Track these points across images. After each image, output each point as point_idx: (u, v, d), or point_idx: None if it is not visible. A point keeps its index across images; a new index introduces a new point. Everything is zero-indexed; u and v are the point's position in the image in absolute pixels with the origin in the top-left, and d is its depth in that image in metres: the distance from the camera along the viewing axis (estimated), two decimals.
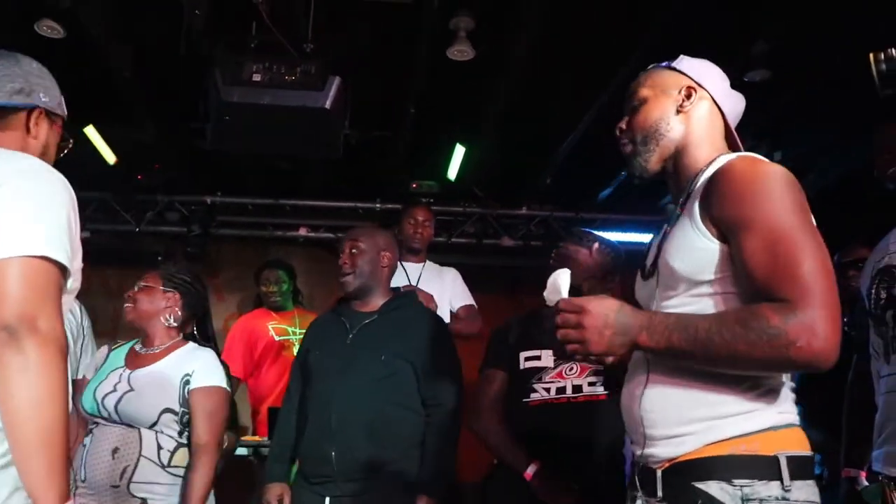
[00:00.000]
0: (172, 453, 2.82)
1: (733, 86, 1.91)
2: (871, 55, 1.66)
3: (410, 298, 3.37)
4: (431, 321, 3.27)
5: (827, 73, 4.30)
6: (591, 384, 2.95)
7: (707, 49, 4.20)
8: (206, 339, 3.49)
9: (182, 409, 2.83)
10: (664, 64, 1.88)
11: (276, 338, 5.06)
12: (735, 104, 1.88)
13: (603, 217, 6.70)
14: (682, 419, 1.62)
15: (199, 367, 2.90)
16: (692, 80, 1.82)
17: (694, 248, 1.63)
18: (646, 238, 6.68)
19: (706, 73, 1.85)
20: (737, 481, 1.54)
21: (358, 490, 2.91)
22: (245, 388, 5.12)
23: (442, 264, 4.69)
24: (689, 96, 1.80)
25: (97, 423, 2.83)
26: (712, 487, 1.55)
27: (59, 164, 1.95)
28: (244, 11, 3.87)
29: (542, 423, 2.92)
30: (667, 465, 1.64)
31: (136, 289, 3.05)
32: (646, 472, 1.69)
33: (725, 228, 1.60)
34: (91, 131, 5.51)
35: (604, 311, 1.58)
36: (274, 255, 6.23)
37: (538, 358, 3.00)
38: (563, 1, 3.91)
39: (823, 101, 4.58)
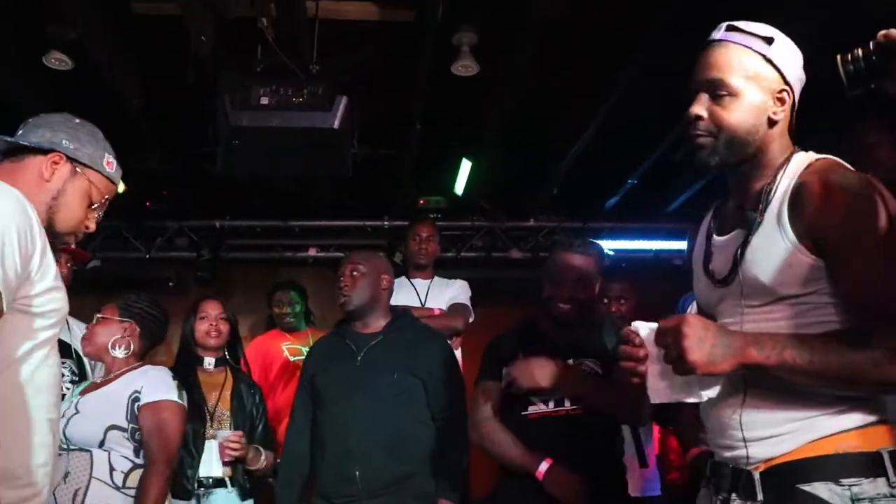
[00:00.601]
0: (127, 474, 2.82)
1: None
2: (839, 56, 1.66)
3: (410, 317, 3.46)
4: (434, 339, 3.39)
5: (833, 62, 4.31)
6: None
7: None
8: (237, 361, 3.55)
9: (132, 425, 2.84)
10: (756, 44, 1.71)
11: (291, 358, 5.06)
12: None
13: (610, 225, 6.71)
14: (779, 419, 1.62)
15: (147, 383, 2.92)
16: (784, 77, 1.71)
17: (786, 262, 1.62)
18: (651, 245, 6.72)
19: (794, 67, 1.74)
20: (844, 481, 1.54)
21: None
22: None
23: (451, 279, 4.72)
24: (781, 101, 1.72)
25: (60, 454, 2.82)
26: (820, 489, 1.55)
27: None
28: (249, 36, 3.91)
29: (542, 435, 2.88)
30: (763, 466, 1.64)
31: (94, 321, 3.10)
32: (738, 473, 1.68)
33: (824, 243, 1.59)
34: None
35: (702, 323, 1.58)
36: (284, 276, 6.24)
37: None
38: (564, 11, 3.93)
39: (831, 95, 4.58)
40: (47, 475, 1.76)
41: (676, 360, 1.56)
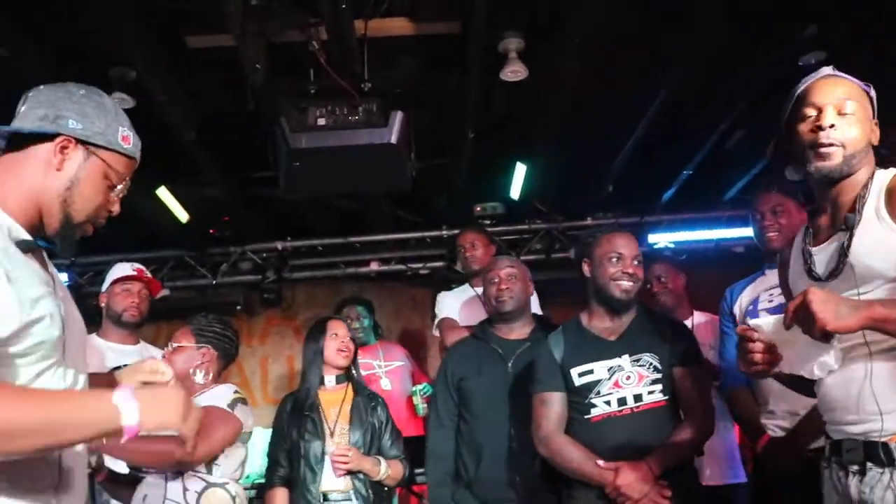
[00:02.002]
0: (200, 494, 2.87)
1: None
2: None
3: (551, 324, 3.54)
4: None
5: (882, 49, 4.27)
6: (650, 392, 2.91)
7: (758, 38, 4.26)
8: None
9: None
10: (860, 84, 2.04)
11: (363, 373, 5.12)
12: None
13: (668, 218, 6.66)
14: None
15: (205, 398, 2.99)
16: (874, 111, 2.04)
17: (892, 248, 1.86)
18: (711, 235, 6.65)
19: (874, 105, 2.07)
20: None
21: None
22: None
23: None
24: (872, 130, 2.02)
25: (142, 477, 2.94)
26: None
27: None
28: (301, 59, 4.01)
29: (608, 437, 2.88)
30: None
31: (170, 349, 3.16)
32: (872, 445, 1.87)
33: None
34: (163, 192, 5.71)
35: (823, 291, 1.78)
36: (348, 292, 6.35)
37: (591, 372, 2.96)
38: (610, 8, 3.95)
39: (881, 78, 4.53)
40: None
41: (811, 326, 1.73)
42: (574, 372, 2.98)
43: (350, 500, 3.40)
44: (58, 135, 1.65)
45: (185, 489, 2.87)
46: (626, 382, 2.91)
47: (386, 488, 3.56)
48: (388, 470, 3.48)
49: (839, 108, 1.95)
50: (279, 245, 6.68)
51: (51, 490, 1.58)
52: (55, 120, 1.66)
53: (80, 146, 1.68)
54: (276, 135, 3.88)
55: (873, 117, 2.03)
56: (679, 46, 4.29)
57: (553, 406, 2.99)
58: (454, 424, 3.41)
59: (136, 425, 1.48)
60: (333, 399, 3.60)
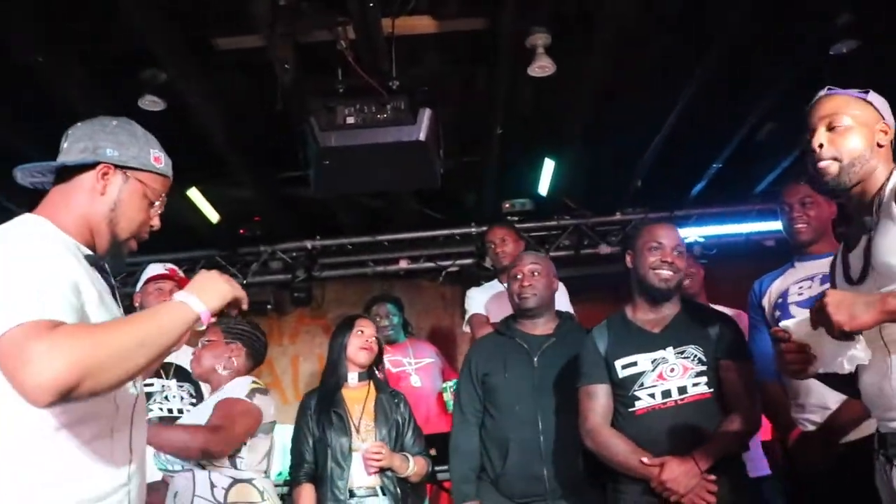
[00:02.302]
0: (227, 490, 2.89)
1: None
2: None
3: (575, 320, 3.58)
4: None
5: None
6: (695, 384, 2.88)
7: (788, 27, 4.21)
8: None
9: None
10: (854, 93, 2.10)
11: (393, 370, 5.13)
12: None
13: (698, 212, 6.62)
14: None
15: (227, 389, 3.03)
16: (882, 117, 2.08)
17: None
18: (741, 228, 6.61)
19: (887, 108, 2.11)
20: None
21: None
22: None
23: None
24: (884, 132, 2.07)
25: (172, 475, 2.97)
26: None
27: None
28: (329, 59, 4.03)
29: (652, 430, 2.86)
30: None
31: (199, 346, 3.21)
32: None
33: None
34: (194, 193, 5.77)
35: (839, 293, 1.86)
36: (377, 290, 6.37)
37: (635, 364, 2.94)
38: (638, 1, 3.94)
39: None
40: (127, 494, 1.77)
41: (830, 329, 1.78)
42: (618, 364, 2.97)
43: (377, 495, 3.40)
44: (98, 163, 1.85)
45: (212, 485, 2.89)
46: (670, 375, 2.89)
47: (410, 485, 3.57)
48: (414, 467, 3.49)
49: (830, 124, 2.04)
50: (309, 244, 6.70)
51: (125, 467, 1.77)
52: (94, 150, 1.85)
53: (118, 171, 1.86)
54: (306, 134, 3.90)
55: (883, 119, 2.08)
56: (708, 38, 4.27)
57: (599, 399, 2.98)
58: (478, 420, 3.39)
59: (206, 309, 1.73)
60: (357, 396, 3.60)
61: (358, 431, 3.48)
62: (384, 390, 3.68)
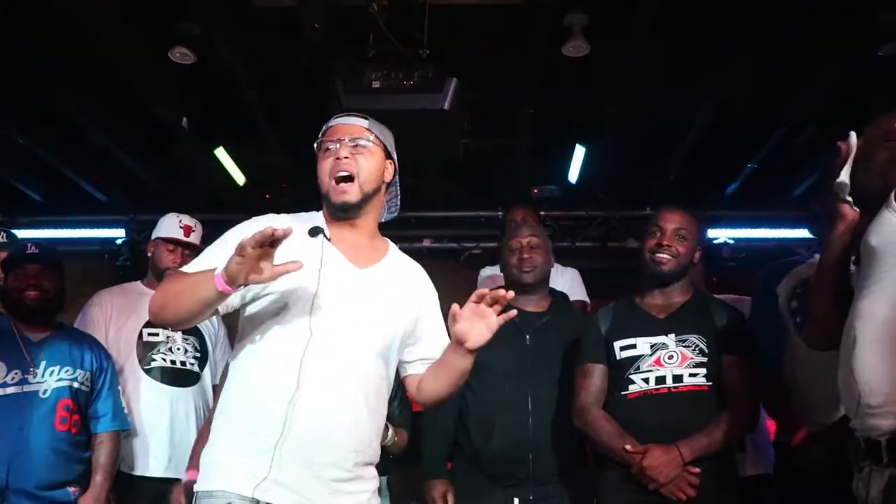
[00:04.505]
0: None
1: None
2: None
3: (566, 298, 3.42)
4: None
5: None
6: (692, 375, 2.79)
7: (832, 26, 4.08)
8: None
9: None
10: None
11: None
12: None
13: (731, 214, 6.50)
14: None
15: None
16: None
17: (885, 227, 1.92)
18: (773, 233, 6.47)
19: None
20: None
21: (550, 493, 2.98)
22: None
23: (561, 266, 4.64)
24: None
25: None
26: None
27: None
28: (362, 25, 3.99)
29: (642, 416, 2.78)
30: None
31: None
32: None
33: None
34: (221, 153, 5.76)
35: None
36: None
37: (633, 346, 2.86)
38: None
39: None
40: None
41: None
42: (617, 345, 2.89)
43: None
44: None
45: None
46: (667, 361, 2.80)
47: (391, 456, 3.49)
48: (394, 436, 3.41)
49: None
50: None
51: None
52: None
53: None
54: (331, 96, 3.86)
55: None
56: (751, 33, 4.16)
57: (593, 378, 2.91)
58: (458, 396, 3.05)
59: (221, 272, 1.85)
60: None
61: None
62: None
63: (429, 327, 2.28)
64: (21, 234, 4.46)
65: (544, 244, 3.28)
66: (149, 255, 3.91)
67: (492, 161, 5.86)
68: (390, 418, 3.47)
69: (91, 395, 3.32)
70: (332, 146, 2.16)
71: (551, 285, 4.39)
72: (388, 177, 2.24)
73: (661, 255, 2.88)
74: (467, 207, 6.70)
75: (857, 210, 2.03)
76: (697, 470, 2.68)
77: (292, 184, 6.62)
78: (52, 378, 3.22)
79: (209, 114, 5.15)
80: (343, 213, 2.16)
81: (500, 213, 6.54)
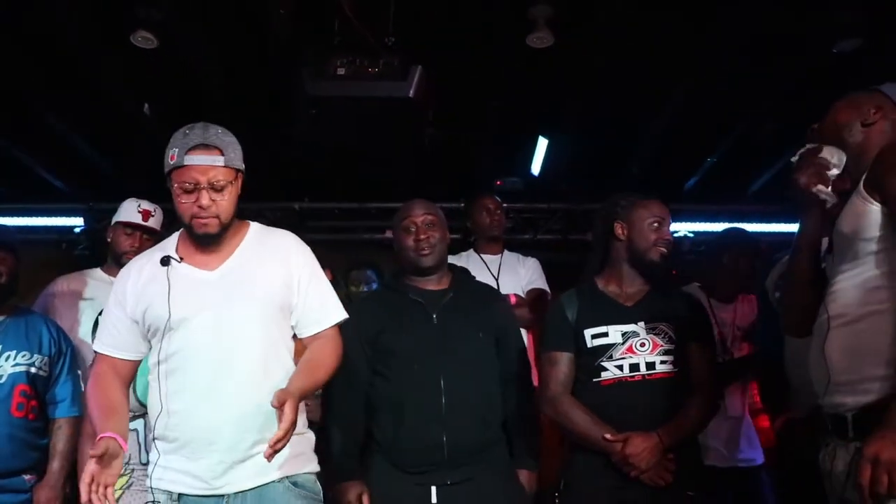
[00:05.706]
0: None
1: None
2: None
3: (466, 272, 3.24)
4: (497, 294, 3.38)
5: None
6: (662, 362, 2.84)
7: (789, 23, 4.14)
8: None
9: None
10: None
11: None
12: None
13: (690, 208, 6.57)
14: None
15: None
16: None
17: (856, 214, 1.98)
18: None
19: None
20: None
21: (467, 475, 2.82)
22: None
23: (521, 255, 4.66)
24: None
25: None
26: None
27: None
28: (327, 13, 3.97)
29: (617, 402, 2.81)
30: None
31: None
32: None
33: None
34: None
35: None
36: (362, 256, 6.31)
37: (605, 335, 2.87)
38: None
39: None
40: None
41: None
42: (588, 333, 2.90)
43: None
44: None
45: None
46: (639, 349, 2.84)
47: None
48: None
49: None
50: (296, 205, 6.65)
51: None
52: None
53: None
54: (296, 82, 3.85)
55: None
56: (712, 29, 4.21)
57: (561, 366, 2.91)
58: (364, 386, 2.95)
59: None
60: None
61: None
62: None
63: (302, 292, 2.53)
64: None
65: (440, 220, 3.12)
66: (108, 240, 3.87)
67: (455, 153, 5.86)
68: None
69: (49, 380, 3.29)
70: (190, 188, 2.31)
71: (512, 273, 4.46)
72: (239, 187, 2.47)
73: (666, 251, 2.93)
74: (429, 199, 6.66)
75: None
76: (672, 457, 2.74)
77: (254, 174, 6.57)
78: (7, 363, 3.17)
79: (172, 100, 5.09)
80: (205, 241, 2.41)
81: (462, 205, 6.57)
